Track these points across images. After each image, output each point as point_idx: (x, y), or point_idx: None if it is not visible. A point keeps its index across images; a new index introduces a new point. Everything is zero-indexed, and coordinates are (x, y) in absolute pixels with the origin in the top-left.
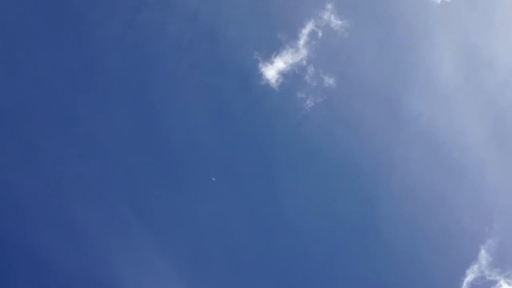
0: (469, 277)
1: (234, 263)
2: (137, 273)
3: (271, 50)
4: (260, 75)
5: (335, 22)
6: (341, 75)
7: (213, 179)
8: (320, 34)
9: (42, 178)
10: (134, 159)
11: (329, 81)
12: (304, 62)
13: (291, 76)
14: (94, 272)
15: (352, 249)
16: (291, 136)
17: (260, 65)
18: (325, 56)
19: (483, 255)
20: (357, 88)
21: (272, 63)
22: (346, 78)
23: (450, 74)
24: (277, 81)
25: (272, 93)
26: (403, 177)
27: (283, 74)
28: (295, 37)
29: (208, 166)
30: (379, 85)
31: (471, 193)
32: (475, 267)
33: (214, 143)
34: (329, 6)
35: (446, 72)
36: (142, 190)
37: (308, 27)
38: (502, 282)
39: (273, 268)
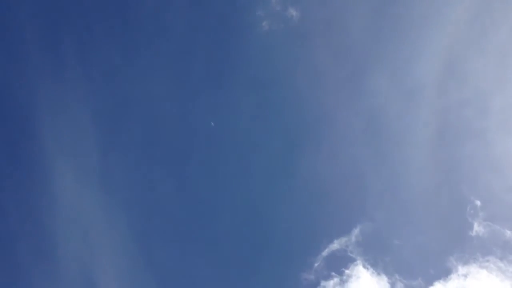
0: (334, 246)
1: (148, 139)
2: (54, 117)
3: None
4: None
5: None
6: (309, 13)
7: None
8: None
9: None
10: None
11: (293, 13)
12: None
13: None
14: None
15: (255, 182)
16: (234, 50)
17: None
18: None
19: (355, 232)
20: (320, 35)
21: None
22: (313, 18)
23: (424, 74)
24: None
25: None
26: (333, 139)
27: None
28: None
29: (167, 46)
30: (347, 44)
31: (384, 180)
32: (343, 240)
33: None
34: None
35: (421, 69)
36: (95, 46)
37: None
38: (359, 262)
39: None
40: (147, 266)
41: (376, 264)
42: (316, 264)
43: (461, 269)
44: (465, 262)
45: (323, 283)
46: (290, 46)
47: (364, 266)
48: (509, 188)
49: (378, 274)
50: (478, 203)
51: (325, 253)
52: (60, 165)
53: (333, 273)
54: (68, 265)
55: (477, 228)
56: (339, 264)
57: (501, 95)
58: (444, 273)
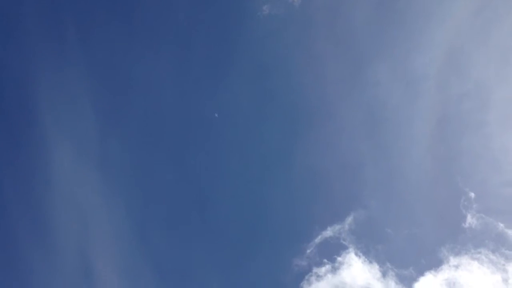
0: (327, 233)
1: (149, 125)
2: (55, 101)
3: None
4: None
5: None
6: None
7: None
8: None
9: None
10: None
11: None
12: None
13: None
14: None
15: (253, 168)
16: (234, 34)
17: None
18: None
19: (349, 220)
20: (322, 22)
21: None
22: (314, 5)
23: (425, 66)
24: None
25: None
26: (332, 128)
27: None
28: None
29: (168, 32)
30: (349, 32)
31: (380, 170)
32: (337, 227)
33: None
34: None
35: (423, 61)
36: (97, 31)
37: None
38: (351, 250)
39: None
40: (143, 251)
41: (368, 252)
42: (308, 251)
43: (453, 260)
44: (457, 253)
45: (315, 269)
46: (291, 31)
47: (356, 254)
48: (505, 182)
49: (370, 262)
50: (472, 195)
51: (318, 240)
52: (60, 149)
53: (325, 260)
54: (65, 248)
55: (470, 220)
56: (331, 251)
57: (501, 89)
58: (436, 264)
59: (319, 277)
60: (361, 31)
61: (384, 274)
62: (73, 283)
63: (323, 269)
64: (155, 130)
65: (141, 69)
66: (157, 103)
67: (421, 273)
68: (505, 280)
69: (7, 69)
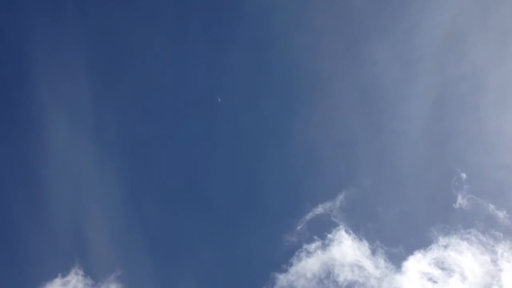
0: (318, 210)
1: (144, 95)
2: (50, 68)
3: None
4: None
5: None
6: None
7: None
8: None
9: None
10: None
11: None
12: None
13: None
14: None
15: (246, 142)
16: (232, 9)
17: None
18: None
19: (340, 198)
20: None
21: None
22: None
23: (423, 46)
24: None
25: None
26: (328, 104)
27: None
28: None
29: (166, 5)
30: (349, 10)
31: (374, 149)
32: (328, 205)
33: None
34: None
35: (421, 42)
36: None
37: None
38: (342, 227)
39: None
40: (136, 220)
41: (359, 230)
42: (299, 227)
43: (442, 240)
44: (446, 233)
45: (305, 245)
46: (290, 7)
47: (346, 231)
48: (497, 164)
49: (360, 239)
50: (464, 176)
51: (308, 216)
52: (55, 116)
53: (315, 237)
54: (58, 215)
55: (461, 201)
56: (322, 228)
57: (498, 72)
58: (425, 243)
59: (309, 253)
60: (360, 9)
61: (373, 252)
62: (66, 251)
63: (313, 246)
64: (150, 99)
65: (138, 41)
66: (153, 73)
67: (410, 252)
68: (494, 261)
69: (1, 35)
